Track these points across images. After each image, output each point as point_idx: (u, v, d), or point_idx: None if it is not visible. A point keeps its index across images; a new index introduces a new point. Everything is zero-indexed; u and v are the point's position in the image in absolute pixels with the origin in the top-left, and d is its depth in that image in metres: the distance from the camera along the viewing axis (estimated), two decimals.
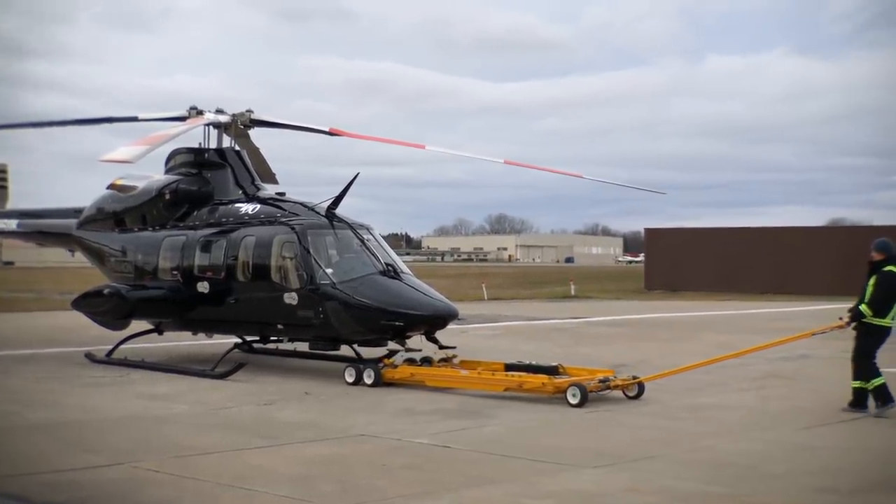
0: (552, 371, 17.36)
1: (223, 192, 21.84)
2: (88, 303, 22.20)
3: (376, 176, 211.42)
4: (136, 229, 22.62)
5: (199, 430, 13.78)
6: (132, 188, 22.83)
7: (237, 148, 22.63)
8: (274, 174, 23.88)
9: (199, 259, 20.79)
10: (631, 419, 14.82)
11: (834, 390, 17.09)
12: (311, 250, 19.10)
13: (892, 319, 15.23)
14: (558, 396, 16.07)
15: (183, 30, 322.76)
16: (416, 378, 17.85)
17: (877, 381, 15.12)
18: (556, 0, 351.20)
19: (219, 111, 22.29)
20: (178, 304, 21.06)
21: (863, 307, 15.14)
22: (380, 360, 18.85)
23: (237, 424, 14.23)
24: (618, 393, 16.54)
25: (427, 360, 18.78)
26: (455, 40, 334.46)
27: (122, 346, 21.79)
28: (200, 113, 22.20)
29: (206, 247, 20.76)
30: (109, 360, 21.15)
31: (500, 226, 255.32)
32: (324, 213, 19.94)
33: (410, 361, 18.63)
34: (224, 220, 21.00)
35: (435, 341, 19.06)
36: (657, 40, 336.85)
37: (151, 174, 23.21)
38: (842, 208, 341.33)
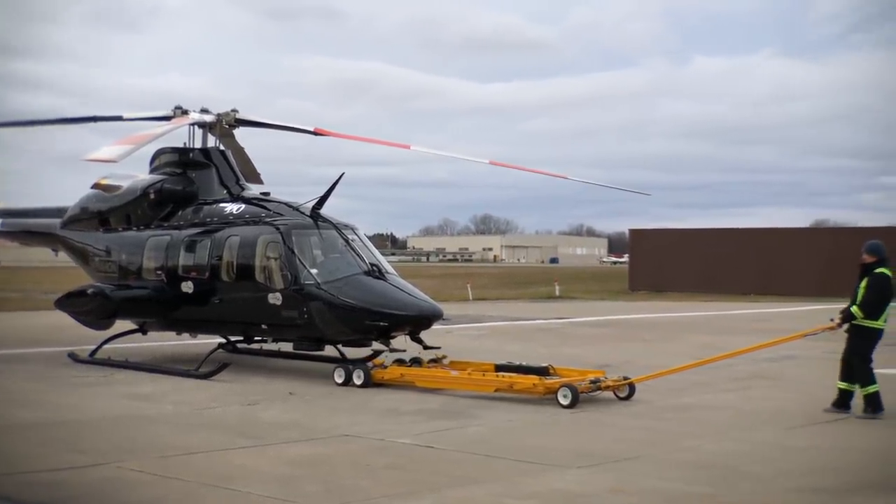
0: (542, 372, 17.30)
1: (208, 192, 21.80)
2: (72, 302, 22.14)
3: (361, 176, 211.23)
4: (120, 229, 22.56)
5: (183, 430, 13.76)
6: (116, 188, 22.78)
7: (222, 148, 22.60)
8: (259, 174, 23.85)
9: (184, 259, 20.75)
10: (615, 419, 14.85)
11: (818, 391, 17.16)
12: (295, 250, 19.07)
13: (885, 322, 15.23)
14: (549, 397, 16.06)
15: (169, 29, 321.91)
16: (406, 379, 17.82)
17: (871, 389, 15.10)
18: (542, 0, 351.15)
19: (204, 111, 22.26)
20: (162, 304, 21.02)
21: (854, 309, 15.14)
22: (367, 359, 18.86)
23: (221, 424, 14.21)
24: (605, 393, 16.55)
25: (417, 361, 18.75)
26: (441, 40, 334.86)
27: (106, 346, 21.73)
28: (185, 112, 22.16)
29: (191, 247, 20.73)
30: (93, 360, 21.09)
31: (485, 226, 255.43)
32: (308, 214, 19.92)
33: (400, 362, 18.59)
34: (208, 219, 20.97)
35: (420, 341, 19.05)
36: (643, 41, 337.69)
37: (136, 174, 23.16)
38: (826, 209, 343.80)
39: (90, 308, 21.60)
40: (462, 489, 10.32)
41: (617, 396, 16.58)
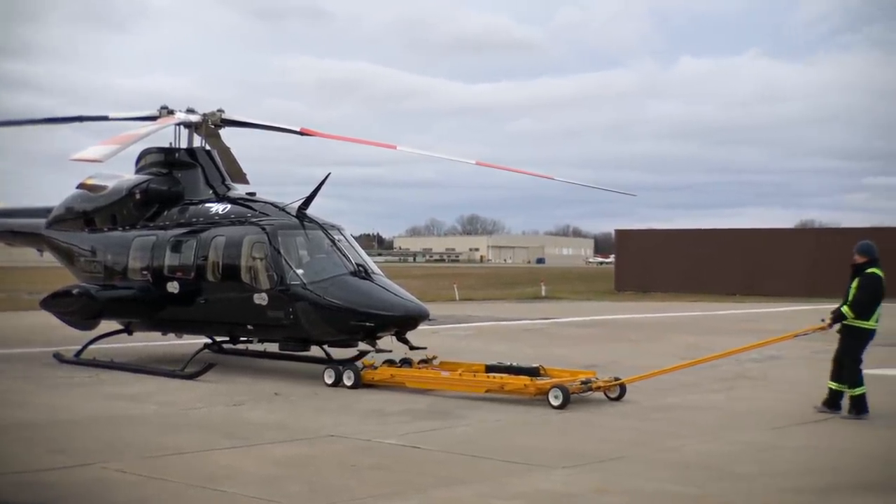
0: (533, 372, 17.25)
1: (193, 192, 21.77)
2: (57, 303, 22.10)
3: (348, 176, 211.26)
4: (105, 229, 22.51)
5: (168, 430, 13.73)
6: (102, 188, 22.73)
7: (208, 148, 22.56)
8: (245, 174, 23.81)
9: (169, 259, 20.71)
10: (601, 420, 14.87)
11: (803, 391, 17.23)
12: (281, 251, 19.05)
13: (876, 322, 15.24)
14: (540, 398, 16.05)
15: (155, 29, 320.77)
16: (396, 380, 17.77)
17: (859, 391, 15.12)
18: (528, 1, 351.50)
19: (189, 111, 22.22)
20: (147, 305, 20.99)
21: (845, 309, 15.13)
22: (354, 359, 18.85)
23: (207, 425, 14.19)
24: (596, 394, 16.52)
25: (407, 362, 18.70)
26: (428, 40, 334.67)
27: (91, 347, 21.67)
28: (171, 112, 22.12)
29: (176, 247, 20.69)
30: (78, 361, 21.03)
31: (472, 226, 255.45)
32: (294, 214, 19.90)
33: (390, 363, 18.54)
34: (194, 220, 20.94)
35: (406, 342, 19.02)
36: (630, 42, 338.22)
37: (122, 174, 23.11)
38: (812, 210, 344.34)
39: (75, 308, 21.55)
40: (448, 489, 10.32)
41: (608, 397, 16.58)
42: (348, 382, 17.84)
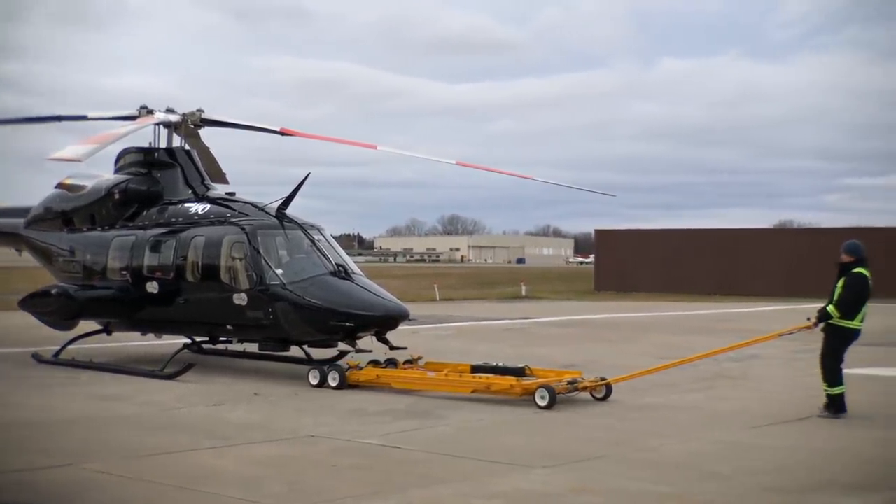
0: (519, 373, 17.21)
1: (173, 192, 21.72)
2: (36, 303, 22.02)
3: (328, 176, 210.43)
4: (84, 229, 22.43)
5: (148, 431, 13.70)
6: (81, 187, 22.65)
7: (187, 147, 22.51)
8: (224, 174, 23.77)
9: (149, 259, 20.66)
10: (581, 419, 14.91)
11: (781, 391, 17.33)
12: (260, 251, 19.02)
13: (861, 322, 15.25)
14: (526, 398, 16.04)
15: (135, 29, 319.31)
16: (382, 380, 17.70)
17: (837, 390, 15.15)
18: (510, 1, 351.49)
19: (169, 110, 22.17)
20: (126, 305, 20.93)
21: (830, 308, 15.11)
22: (335, 359, 18.82)
23: (186, 425, 14.16)
24: (578, 394, 16.51)
25: (392, 362, 18.60)
26: (410, 40, 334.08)
27: (70, 347, 21.60)
28: (150, 112, 22.06)
29: (156, 247, 20.64)
30: (57, 361, 20.96)
31: (452, 226, 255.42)
32: (274, 214, 19.88)
33: (375, 363, 18.46)
34: (173, 220, 20.89)
35: (386, 342, 19.01)
36: (610, 43, 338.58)
37: (101, 173, 23.05)
38: (791, 210, 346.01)
39: (54, 308, 21.49)
40: (428, 489, 10.34)
41: (594, 397, 16.59)
42: (333, 383, 17.76)
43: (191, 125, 22.30)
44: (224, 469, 11.20)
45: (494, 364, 17.97)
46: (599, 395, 16.60)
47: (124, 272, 21.06)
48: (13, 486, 10.25)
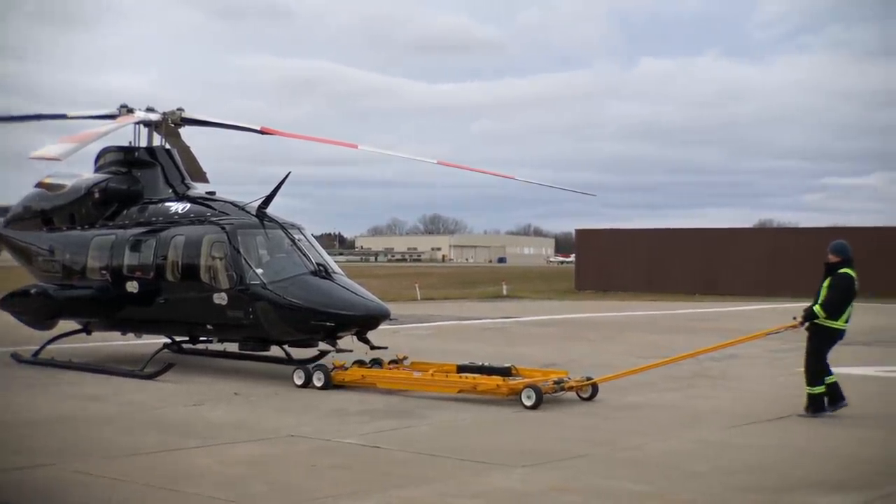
0: (505, 372, 17.21)
1: (153, 191, 21.66)
2: (14, 303, 21.93)
3: (309, 175, 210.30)
4: (64, 228, 22.36)
5: (128, 430, 13.66)
6: (61, 186, 22.58)
7: (167, 147, 22.45)
8: (205, 173, 23.74)
9: (129, 258, 20.60)
10: (561, 418, 14.93)
11: (761, 390, 17.39)
12: (241, 250, 18.98)
13: (846, 322, 15.30)
14: (512, 398, 16.03)
15: (115, 27, 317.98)
16: (367, 380, 17.64)
17: (818, 389, 15.19)
18: (490, 1, 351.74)
19: (149, 109, 22.12)
20: (106, 304, 20.86)
21: (816, 308, 15.12)
22: (315, 358, 18.78)
23: (167, 425, 14.12)
24: (565, 394, 16.50)
25: (377, 362, 18.55)
26: (391, 40, 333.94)
27: (50, 347, 21.53)
28: (131, 111, 22.01)
29: (136, 246, 20.57)
30: (36, 361, 20.89)
31: (434, 226, 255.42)
32: (254, 213, 19.84)
33: (360, 363, 18.40)
34: (154, 219, 20.83)
35: (366, 341, 18.98)
36: (590, 43, 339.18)
37: (81, 173, 22.97)
38: (771, 210, 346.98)
39: (33, 308, 21.43)
40: (408, 489, 10.34)
41: (580, 397, 16.58)
42: (318, 383, 17.66)
43: (171, 124, 22.26)
44: (204, 469, 11.18)
45: (480, 364, 17.95)
46: (585, 395, 16.59)
47: (104, 272, 20.99)
48: None
